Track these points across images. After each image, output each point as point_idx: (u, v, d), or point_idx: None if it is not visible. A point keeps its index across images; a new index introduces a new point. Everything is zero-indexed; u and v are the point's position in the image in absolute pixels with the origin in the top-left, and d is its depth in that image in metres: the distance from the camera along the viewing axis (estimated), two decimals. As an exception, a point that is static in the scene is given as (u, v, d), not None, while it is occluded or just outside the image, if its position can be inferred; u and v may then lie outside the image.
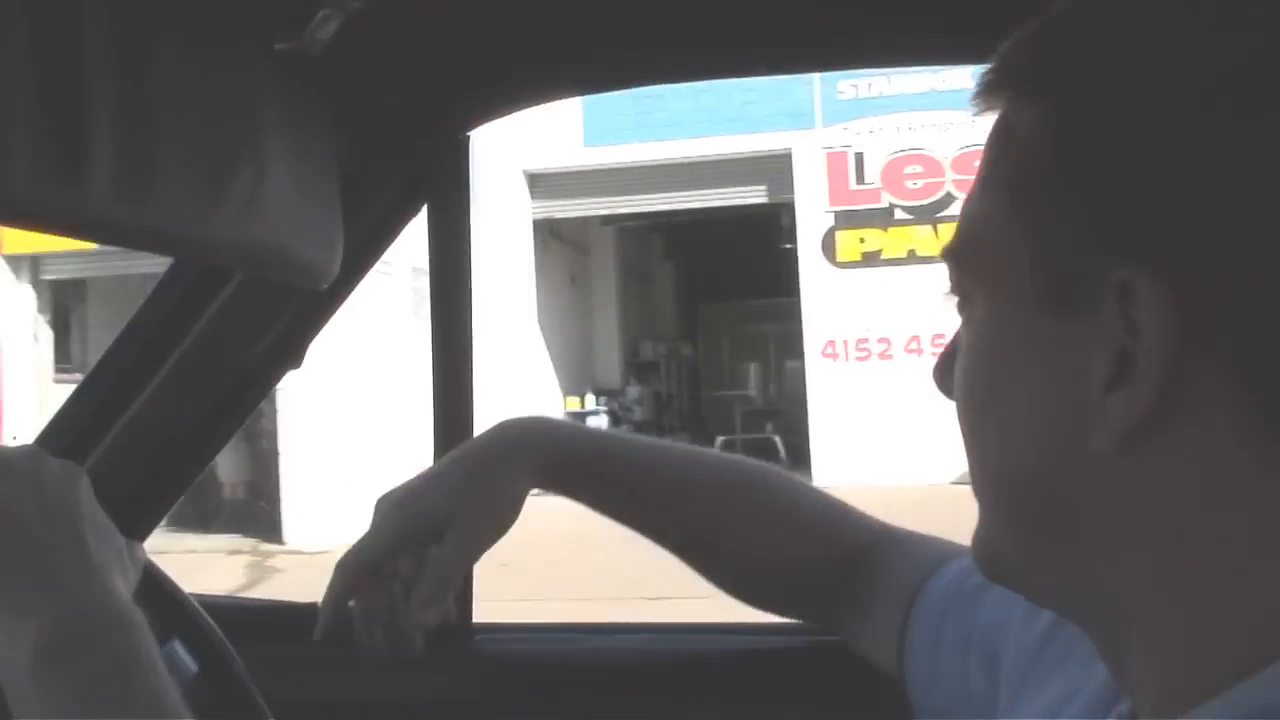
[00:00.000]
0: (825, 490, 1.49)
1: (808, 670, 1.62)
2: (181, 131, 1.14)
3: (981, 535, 0.80)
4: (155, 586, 1.25)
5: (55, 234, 1.07)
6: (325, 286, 1.50)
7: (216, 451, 1.76)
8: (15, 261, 18.53)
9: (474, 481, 1.36)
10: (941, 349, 0.83)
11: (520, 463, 1.38)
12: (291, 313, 1.69)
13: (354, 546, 1.35)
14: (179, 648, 1.30)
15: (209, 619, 1.35)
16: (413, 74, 1.63)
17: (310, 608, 1.76)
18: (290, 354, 1.72)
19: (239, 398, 1.72)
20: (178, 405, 1.68)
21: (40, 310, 18.59)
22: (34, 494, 1.00)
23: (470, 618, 1.73)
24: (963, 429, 0.78)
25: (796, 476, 1.53)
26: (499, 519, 1.36)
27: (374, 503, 1.37)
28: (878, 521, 1.46)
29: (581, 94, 1.75)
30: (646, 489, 1.44)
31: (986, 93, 0.75)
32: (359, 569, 1.34)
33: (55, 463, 1.06)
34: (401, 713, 1.70)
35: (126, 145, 1.04)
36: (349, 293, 1.69)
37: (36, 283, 18.77)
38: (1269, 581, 0.65)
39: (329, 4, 1.44)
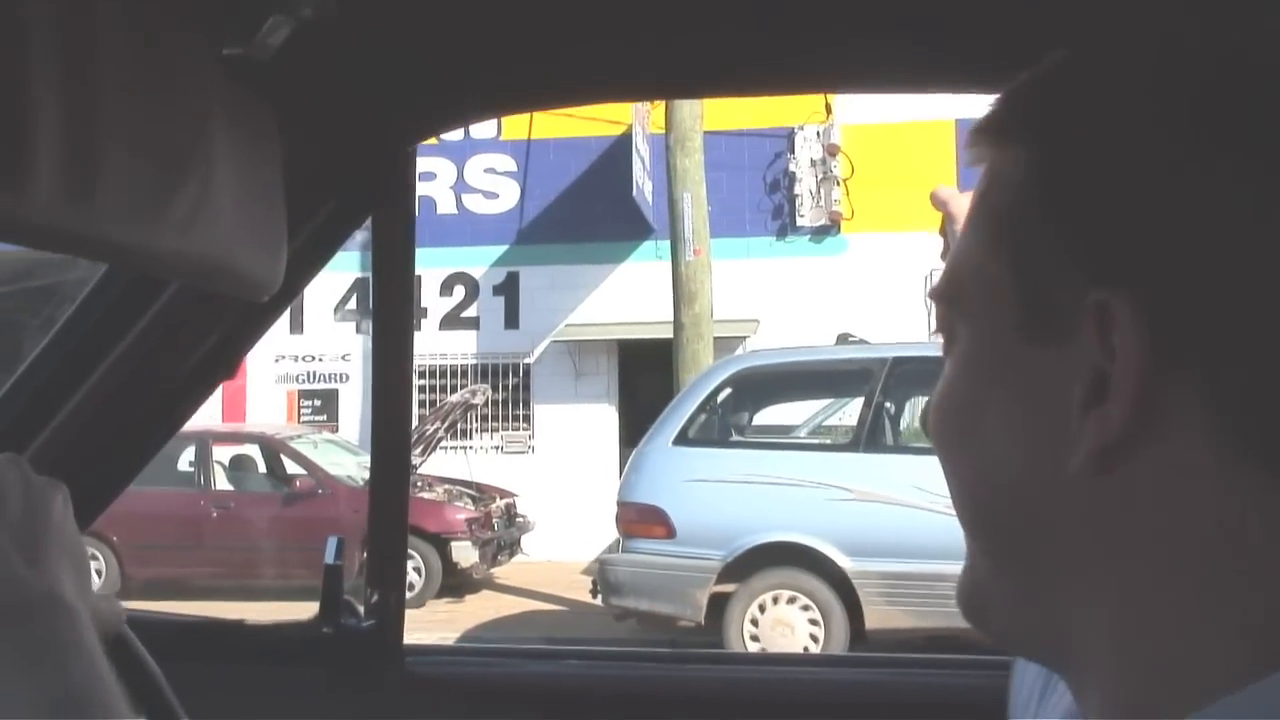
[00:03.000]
0: None
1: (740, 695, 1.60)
2: (126, 137, 1.12)
3: (966, 571, 0.80)
4: (131, 659, 1.23)
5: None
6: (267, 299, 1.48)
7: (150, 457, 1.74)
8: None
9: None
10: None
11: None
12: (229, 322, 1.66)
13: None
14: None
15: (176, 701, 1.32)
16: (361, 85, 1.60)
17: (237, 624, 1.74)
18: (226, 364, 1.70)
19: (172, 404, 1.69)
20: (111, 409, 1.64)
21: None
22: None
23: (401, 639, 1.71)
24: (944, 460, 0.80)
25: None
26: None
27: None
28: None
29: (526, 111, 1.73)
30: None
31: (974, 145, 0.80)
32: None
33: (36, 476, 1.05)
34: None
35: (69, 149, 1.02)
36: (288, 304, 1.67)
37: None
38: (1232, 603, 0.67)
39: (280, 11, 1.42)
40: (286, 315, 19.90)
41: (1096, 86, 0.74)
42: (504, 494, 16.29)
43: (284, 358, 19.92)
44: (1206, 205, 0.67)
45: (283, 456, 15.95)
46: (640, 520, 10.23)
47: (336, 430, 18.43)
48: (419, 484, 15.95)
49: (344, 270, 19.29)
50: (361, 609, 1.68)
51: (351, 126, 1.64)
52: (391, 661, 1.68)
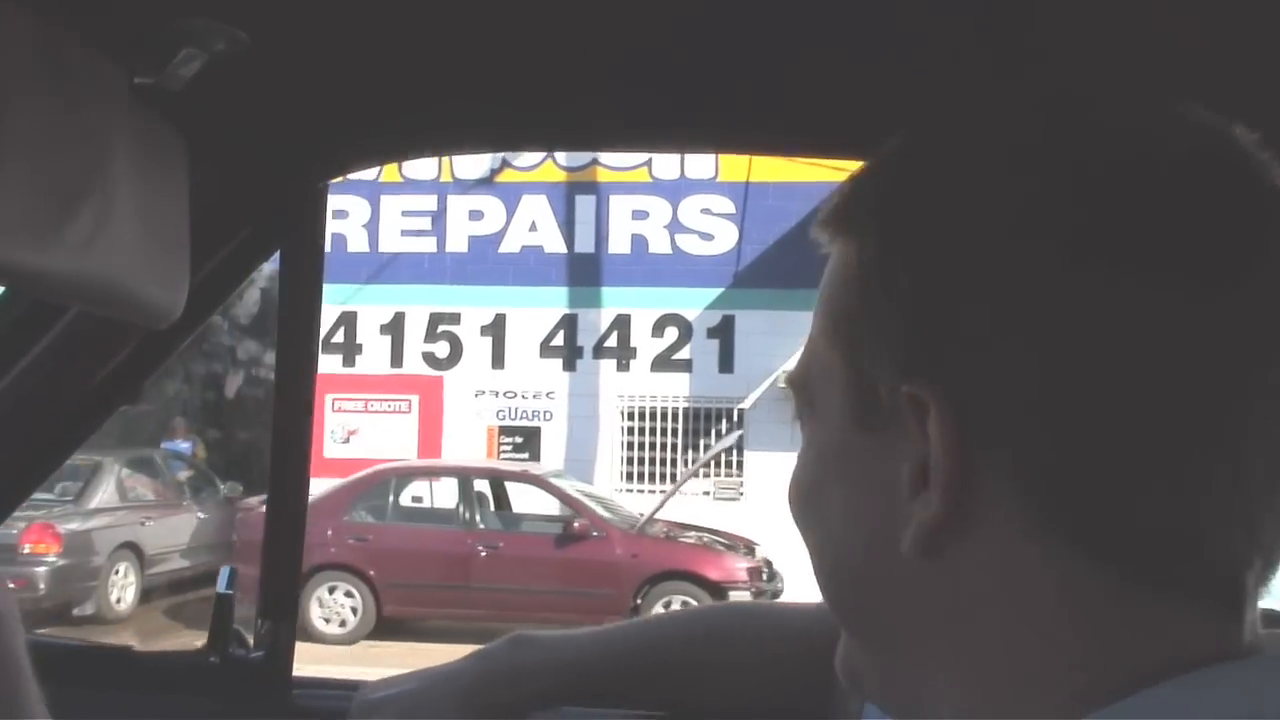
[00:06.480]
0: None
1: None
2: (26, 158, 1.13)
3: (841, 641, 0.84)
4: None
5: None
6: (166, 327, 1.49)
7: (43, 479, 1.76)
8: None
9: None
10: None
11: (497, 708, 1.41)
12: (132, 348, 1.68)
13: None
14: None
15: None
16: (273, 120, 1.63)
17: (124, 650, 1.76)
18: (127, 389, 1.72)
19: (69, 429, 1.71)
20: (3, 430, 1.67)
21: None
22: None
23: (290, 671, 1.71)
24: (803, 538, 0.83)
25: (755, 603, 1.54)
26: None
27: (355, 702, 1.41)
28: None
29: (439, 154, 1.73)
30: (624, 686, 1.48)
31: (818, 233, 0.83)
32: None
33: None
34: None
35: None
36: (192, 332, 1.69)
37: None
38: (1044, 666, 0.70)
39: (192, 44, 1.44)
40: (488, 349, 19.89)
41: (926, 181, 0.77)
42: (747, 543, 15.83)
43: (484, 393, 19.76)
44: (1008, 306, 0.71)
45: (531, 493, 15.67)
46: None
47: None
48: (665, 530, 15.58)
49: (551, 306, 19.45)
50: (251, 639, 1.68)
51: (262, 160, 1.66)
52: (279, 693, 1.68)
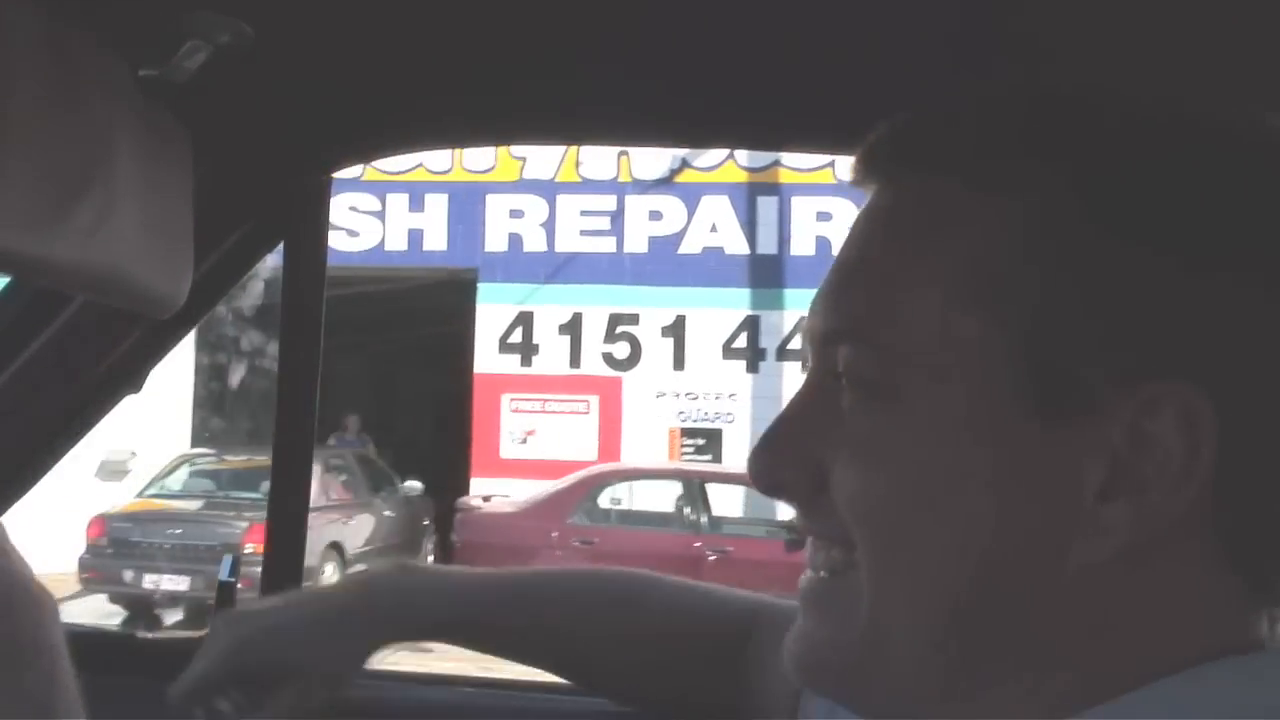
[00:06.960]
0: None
1: None
2: (29, 147, 1.14)
3: (866, 636, 0.72)
4: None
5: None
6: (169, 316, 1.50)
7: (48, 469, 1.77)
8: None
9: (322, 640, 1.32)
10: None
11: (375, 629, 1.35)
12: (135, 338, 1.70)
13: (186, 674, 1.34)
14: None
15: None
16: (278, 112, 1.63)
17: (127, 637, 1.77)
18: (131, 378, 1.73)
19: (73, 418, 1.74)
20: (8, 419, 1.70)
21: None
22: None
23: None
24: (879, 542, 0.70)
25: (663, 576, 1.46)
26: (338, 681, 1.34)
27: (212, 621, 1.37)
28: (755, 598, 1.39)
29: (446, 147, 1.72)
30: (514, 633, 1.40)
31: (923, 176, 0.72)
32: (189, 698, 1.34)
33: None
34: None
35: None
36: (196, 323, 1.70)
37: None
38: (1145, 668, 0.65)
39: (197, 36, 1.44)
40: (668, 350, 19.84)
41: (1105, 145, 0.68)
42: None
43: (665, 394, 19.68)
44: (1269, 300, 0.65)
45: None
46: None
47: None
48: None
49: (733, 308, 19.36)
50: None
51: (266, 152, 1.68)
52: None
